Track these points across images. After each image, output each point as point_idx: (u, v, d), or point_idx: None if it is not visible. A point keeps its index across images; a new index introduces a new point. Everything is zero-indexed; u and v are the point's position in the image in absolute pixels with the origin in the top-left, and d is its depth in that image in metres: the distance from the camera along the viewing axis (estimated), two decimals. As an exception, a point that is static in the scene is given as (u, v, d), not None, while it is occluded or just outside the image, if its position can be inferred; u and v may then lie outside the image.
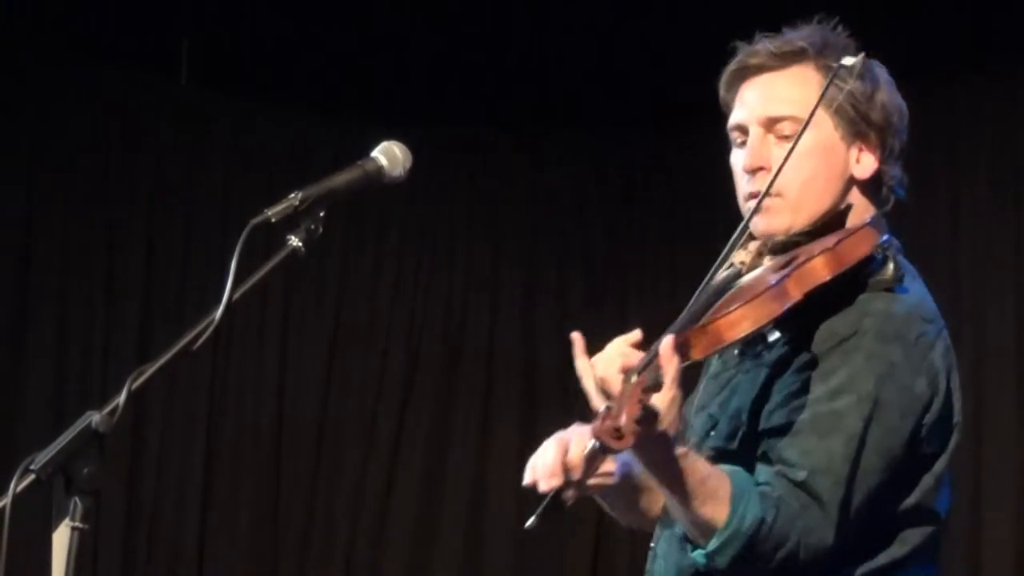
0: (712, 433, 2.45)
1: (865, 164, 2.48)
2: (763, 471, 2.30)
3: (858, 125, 2.46)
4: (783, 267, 2.32)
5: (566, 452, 2.34)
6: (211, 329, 2.07)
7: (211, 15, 6.10)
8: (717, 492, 2.22)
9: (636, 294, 6.69)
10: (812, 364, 2.34)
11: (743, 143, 2.50)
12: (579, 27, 6.01)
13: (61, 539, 1.97)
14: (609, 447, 2.08)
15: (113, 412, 1.99)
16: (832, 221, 2.44)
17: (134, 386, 2.02)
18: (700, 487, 2.21)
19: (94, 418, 1.98)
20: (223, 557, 6.56)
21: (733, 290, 2.34)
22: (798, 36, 2.50)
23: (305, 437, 6.71)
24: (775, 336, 2.37)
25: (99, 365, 6.36)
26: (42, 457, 1.96)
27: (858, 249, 2.35)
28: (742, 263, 2.41)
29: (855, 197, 2.48)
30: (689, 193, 6.44)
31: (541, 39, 6.11)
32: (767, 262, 2.40)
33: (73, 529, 1.97)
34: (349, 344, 6.81)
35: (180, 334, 2.09)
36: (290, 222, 2.18)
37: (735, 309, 2.23)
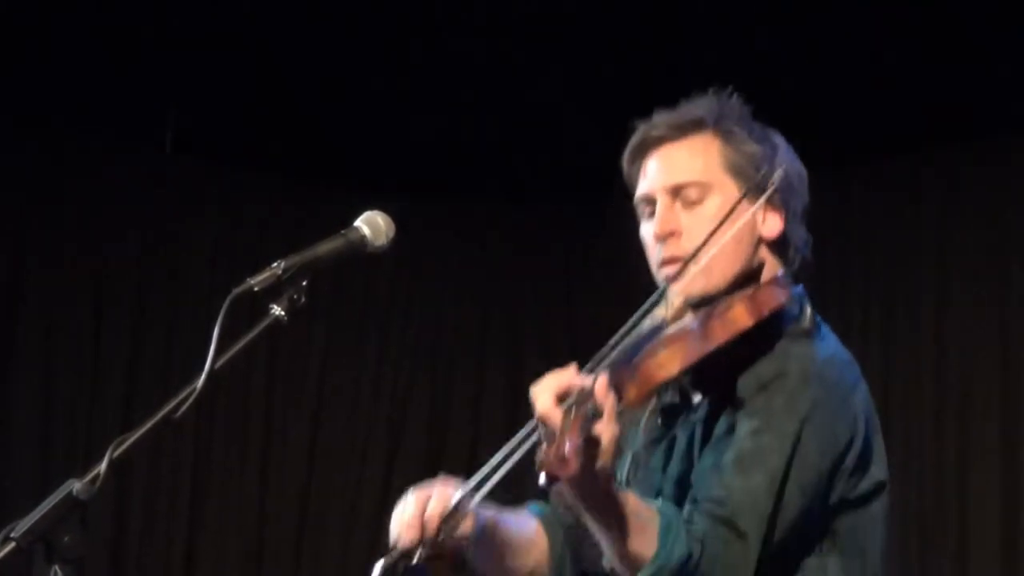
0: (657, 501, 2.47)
1: (771, 224, 2.54)
2: (689, 508, 2.34)
3: (762, 185, 2.51)
4: (706, 315, 2.41)
5: (424, 508, 2.40)
6: (193, 398, 2.08)
7: (197, 84, 6.11)
8: (647, 526, 2.26)
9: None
10: (739, 409, 2.39)
11: (652, 213, 2.55)
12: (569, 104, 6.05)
13: (41, 608, 1.96)
14: (554, 475, 2.10)
15: (94, 480, 1.99)
16: (746, 280, 2.50)
17: (115, 454, 2.02)
18: (631, 520, 2.25)
19: (75, 486, 1.98)
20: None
21: (659, 337, 2.40)
22: (695, 107, 2.56)
23: (289, 506, 6.70)
24: (698, 398, 2.48)
25: (83, 433, 6.34)
26: (22, 525, 1.96)
27: (774, 298, 2.43)
28: (664, 317, 2.46)
29: (765, 256, 2.54)
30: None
31: (528, 115, 6.15)
32: (688, 316, 2.46)
33: (53, 598, 1.96)
34: (333, 414, 6.81)
35: (164, 402, 2.09)
36: (273, 291, 2.19)
37: (663, 351, 2.32)
